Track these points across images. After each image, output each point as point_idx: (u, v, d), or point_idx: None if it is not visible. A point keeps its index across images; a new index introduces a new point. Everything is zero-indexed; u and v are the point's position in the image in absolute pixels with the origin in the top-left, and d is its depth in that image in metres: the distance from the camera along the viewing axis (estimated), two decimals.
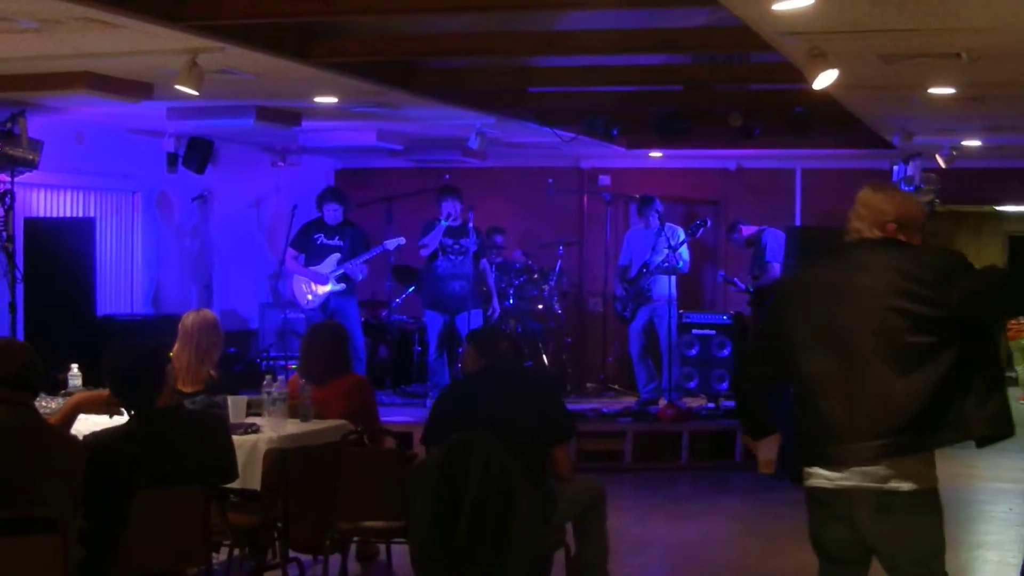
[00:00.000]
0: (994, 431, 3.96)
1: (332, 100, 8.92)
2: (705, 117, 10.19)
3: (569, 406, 6.50)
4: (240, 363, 10.60)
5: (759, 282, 11.31)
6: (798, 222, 12.85)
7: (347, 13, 6.30)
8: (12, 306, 8.58)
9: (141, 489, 4.77)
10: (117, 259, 11.03)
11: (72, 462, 4.66)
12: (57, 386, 6.71)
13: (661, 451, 10.52)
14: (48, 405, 6.05)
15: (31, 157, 8.72)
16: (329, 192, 11.12)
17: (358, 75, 7.77)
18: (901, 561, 4.02)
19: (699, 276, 13.14)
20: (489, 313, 10.95)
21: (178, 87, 6.82)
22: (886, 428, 3.91)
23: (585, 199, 13.44)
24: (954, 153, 11.04)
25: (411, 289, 11.99)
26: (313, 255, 10.73)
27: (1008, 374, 13.79)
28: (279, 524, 6.05)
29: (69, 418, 5.43)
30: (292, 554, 6.19)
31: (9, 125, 8.42)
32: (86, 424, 5.48)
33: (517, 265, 11.96)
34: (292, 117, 9.83)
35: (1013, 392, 13.10)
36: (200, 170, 11.28)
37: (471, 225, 10.75)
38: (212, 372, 6.70)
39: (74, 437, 5.15)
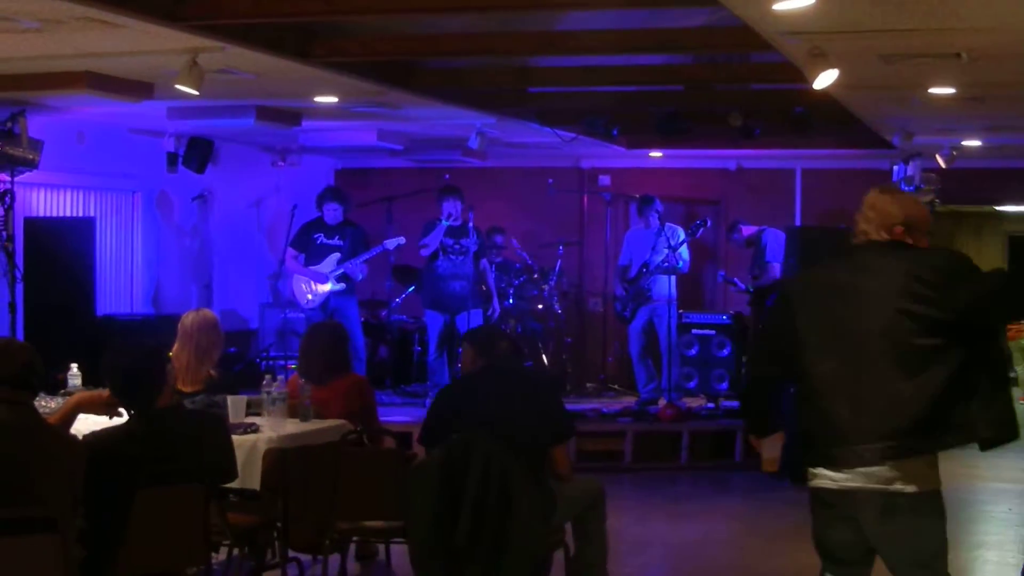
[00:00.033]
0: (998, 434, 3.97)
1: (332, 100, 8.91)
2: (705, 117, 10.19)
3: (569, 406, 6.48)
4: (240, 363, 10.61)
5: (759, 282, 11.30)
6: (798, 222, 12.83)
7: (347, 13, 6.30)
8: (12, 306, 8.59)
9: (141, 489, 4.76)
10: (117, 259, 11.02)
11: (72, 462, 4.66)
12: (57, 386, 6.70)
13: (661, 451, 10.52)
14: (48, 405, 6.03)
15: (31, 157, 8.72)
16: (329, 192, 11.11)
17: (358, 75, 7.77)
18: (904, 562, 4.02)
19: (699, 276, 13.13)
20: (489, 313, 10.95)
21: (178, 87, 6.82)
22: (892, 430, 3.91)
23: (585, 199, 13.43)
24: (954, 153, 11.03)
25: (411, 289, 11.98)
26: (313, 255, 10.72)
27: (1009, 375, 13.76)
28: (278, 524, 6.05)
29: (69, 418, 5.42)
30: (291, 554, 6.19)
31: (9, 125, 8.42)
32: (86, 424, 5.47)
33: (517, 265, 11.96)
34: (292, 117, 9.83)
35: (1014, 392, 13.07)
36: (200, 170, 11.28)
37: (471, 225, 10.75)
38: (212, 372, 6.69)
39: (74, 437, 5.14)
